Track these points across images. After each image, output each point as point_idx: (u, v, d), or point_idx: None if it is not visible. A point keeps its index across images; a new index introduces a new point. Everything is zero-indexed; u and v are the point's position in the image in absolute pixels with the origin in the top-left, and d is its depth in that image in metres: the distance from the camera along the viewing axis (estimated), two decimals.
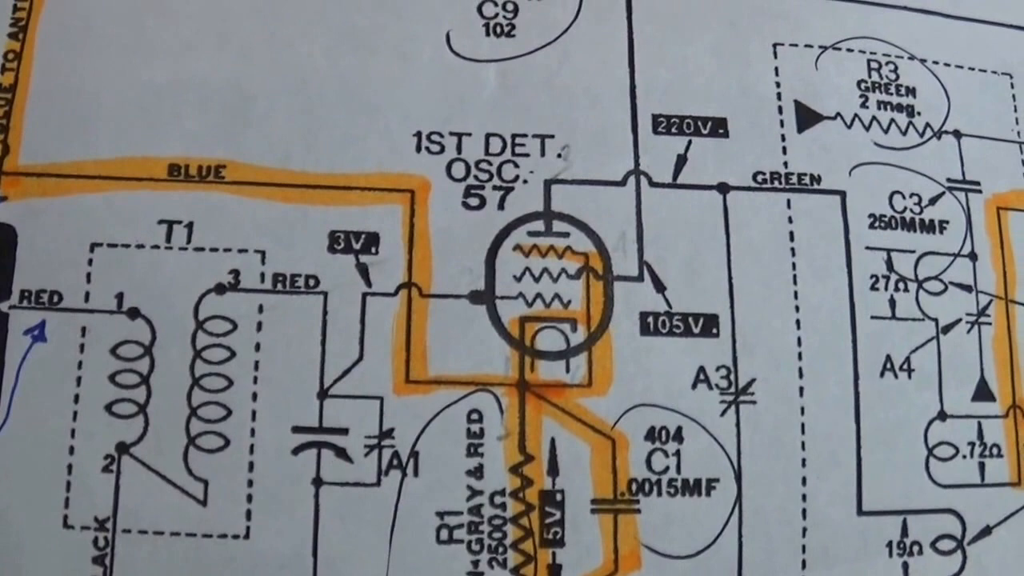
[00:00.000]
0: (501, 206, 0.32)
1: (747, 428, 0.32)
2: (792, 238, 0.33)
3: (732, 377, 0.32)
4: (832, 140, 0.34)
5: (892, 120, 0.34)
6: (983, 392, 0.33)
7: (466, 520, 0.30)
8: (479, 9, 0.34)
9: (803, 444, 0.32)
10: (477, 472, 0.31)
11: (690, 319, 0.32)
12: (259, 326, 0.31)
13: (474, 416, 0.31)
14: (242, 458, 0.30)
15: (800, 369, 0.32)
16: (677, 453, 0.31)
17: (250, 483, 0.30)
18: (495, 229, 0.32)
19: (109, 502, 0.30)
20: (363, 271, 0.32)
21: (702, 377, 0.32)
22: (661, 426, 0.31)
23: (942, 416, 0.32)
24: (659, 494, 0.31)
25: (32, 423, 0.30)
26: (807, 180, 0.33)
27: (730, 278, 0.32)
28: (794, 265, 0.33)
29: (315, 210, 0.32)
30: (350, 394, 0.31)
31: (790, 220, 0.33)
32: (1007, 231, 0.34)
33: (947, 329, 0.33)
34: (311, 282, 0.31)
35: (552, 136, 0.33)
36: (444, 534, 0.30)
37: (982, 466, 0.33)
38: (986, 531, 0.32)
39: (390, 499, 0.30)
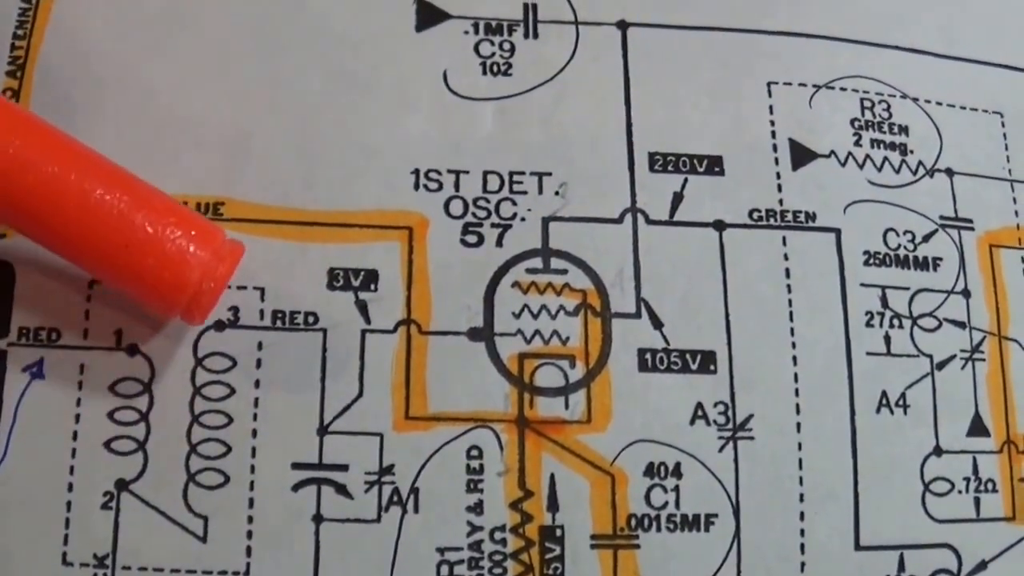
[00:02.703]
0: (499, 243, 0.33)
1: (745, 463, 0.32)
2: (788, 275, 0.33)
3: (730, 413, 0.32)
4: (826, 178, 0.34)
5: (885, 158, 0.35)
6: (978, 427, 0.33)
7: (466, 556, 0.30)
8: (476, 48, 0.34)
9: (801, 479, 0.32)
10: (477, 508, 0.31)
11: (687, 355, 0.32)
12: (259, 363, 0.31)
13: (474, 452, 0.31)
14: (242, 495, 0.30)
15: (797, 405, 0.32)
16: (676, 489, 0.31)
17: (250, 519, 0.30)
18: (493, 266, 0.32)
19: (108, 539, 0.30)
20: (362, 308, 0.32)
21: (700, 413, 0.32)
22: (660, 462, 0.31)
23: (937, 451, 0.33)
24: (658, 529, 0.31)
25: (31, 460, 0.30)
26: (802, 217, 0.34)
27: (727, 315, 0.33)
28: (790, 302, 0.33)
29: (314, 247, 0.32)
30: (350, 431, 0.31)
31: (786, 257, 0.33)
32: (999, 268, 0.35)
33: (941, 365, 0.33)
34: (310, 319, 0.31)
35: (550, 174, 0.33)
36: (445, 570, 0.30)
37: (977, 501, 0.33)
38: (982, 566, 0.32)
39: (390, 535, 0.30)
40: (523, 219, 0.33)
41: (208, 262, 0.29)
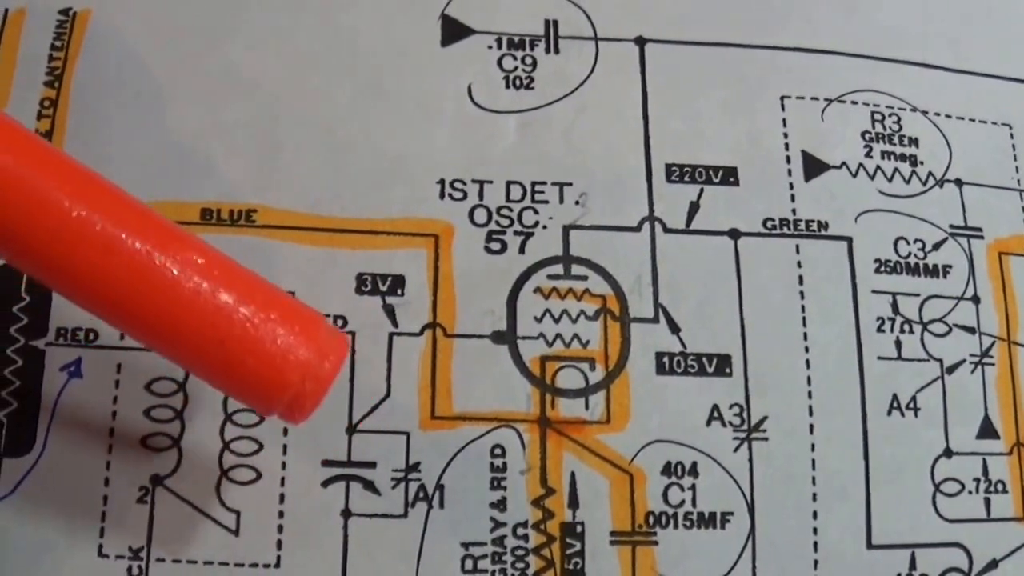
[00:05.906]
0: (522, 250, 0.33)
1: (759, 463, 0.32)
2: (801, 282, 0.34)
3: (745, 415, 0.33)
4: (838, 188, 0.35)
5: (896, 169, 0.35)
6: (987, 430, 0.34)
7: (490, 551, 0.31)
8: (499, 63, 0.35)
9: (814, 479, 0.32)
10: (500, 505, 0.31)
11: (704, 359, 0.33)
12: None
13: (497, 451, 0.32)
14: (274, 490, 0.31)
15: (810, 407, 0.33)
16: (692, 487, 0.32)
17: (281, 514, 0.31)
18: (516, 272, 0.33)
19: (143, 532, 0.30)
20: (390, 312, 0.32)
21: (716, 415, 0.33)
22: (677, 461, 0.32)
23: (948, 453, 0.33)
24: (675, 527, 0.32)
25: (69, 456, 0.31)
26: (815, 227, 0.34)
27: (742, 320, 0.33)
28: (803, 308, 0.34)
29: (343, 253, 0.33)
30: (378, 429, 0.32)
31: (799, 265, 0.34)
32: (1008, 275, 0.35)
33: (951, 369, 0.34)
34: (340, 322, 0.32)
35: (570, 184, 0.34)
36: (469, 564, 0.31)
37: (987, 501, 0.33)
38: (992, 564, 0.33)
39: (416, 530, 0.31)
40: (545, 227, 0.34)
41: (310, 361, 0.26)
